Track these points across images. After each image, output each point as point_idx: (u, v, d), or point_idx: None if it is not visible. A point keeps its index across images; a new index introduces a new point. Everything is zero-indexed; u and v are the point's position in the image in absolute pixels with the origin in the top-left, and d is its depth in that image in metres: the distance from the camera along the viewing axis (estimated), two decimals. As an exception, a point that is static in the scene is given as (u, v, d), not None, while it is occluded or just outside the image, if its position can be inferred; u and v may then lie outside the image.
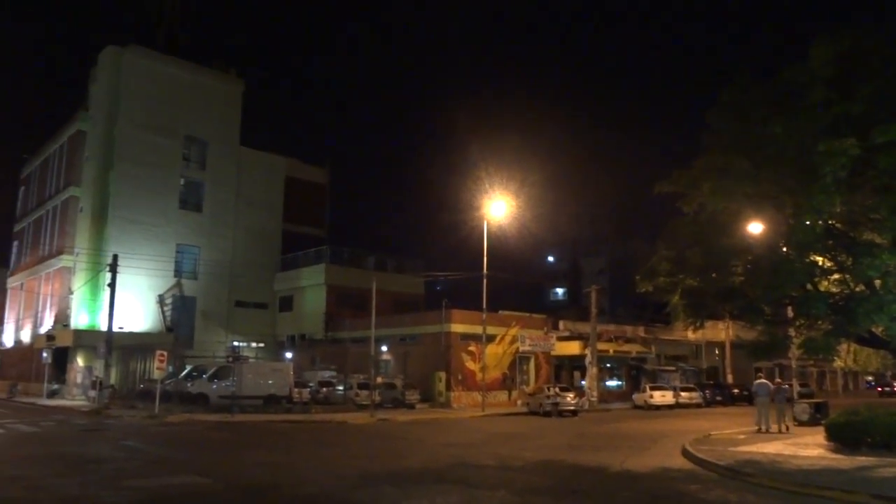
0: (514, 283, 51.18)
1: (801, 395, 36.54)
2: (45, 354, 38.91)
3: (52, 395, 39.47)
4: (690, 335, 48.65)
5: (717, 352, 54.45)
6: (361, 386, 34.90)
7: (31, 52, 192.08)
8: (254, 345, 49.10)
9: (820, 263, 14.54)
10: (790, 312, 16.07)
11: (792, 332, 16.43)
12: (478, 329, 36.69)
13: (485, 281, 35.85)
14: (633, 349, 48.68)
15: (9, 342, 53.72)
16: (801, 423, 24.68)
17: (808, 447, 17.80)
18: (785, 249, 14.67)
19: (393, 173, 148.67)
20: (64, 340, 40.79)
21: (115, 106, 45.84)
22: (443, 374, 37.98)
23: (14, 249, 57.94)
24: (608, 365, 47.80)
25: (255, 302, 51.03)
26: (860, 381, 71.95)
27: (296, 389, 33.69)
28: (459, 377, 38.30)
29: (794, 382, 38.95)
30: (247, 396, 31.09)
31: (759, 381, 24.61)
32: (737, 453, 16.66)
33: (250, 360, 37.12)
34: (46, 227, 50.54)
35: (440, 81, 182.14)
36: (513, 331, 41.10)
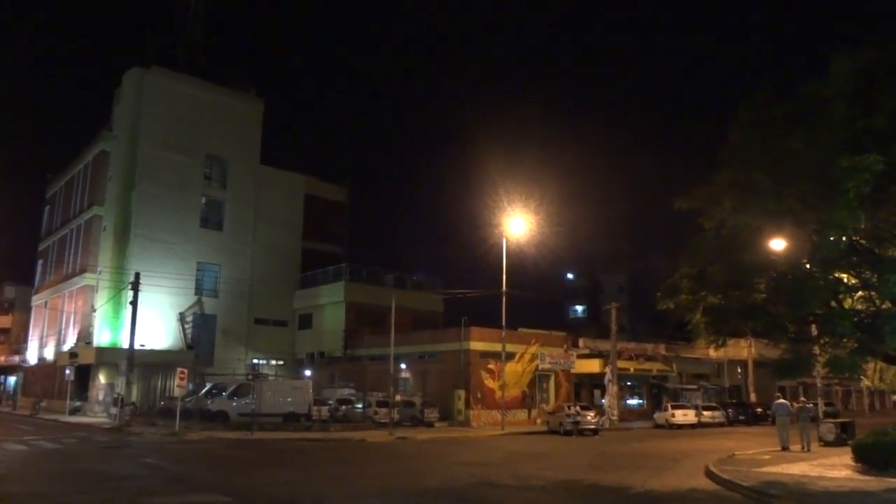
0: (534, 300, 51.02)
1: (827, 415, 35.90)
2: (67, 371, 39.32)
3: (75, 411, 39.82)
4: (712, 353, 48.07)
5: (739, 370, 53.75)
6: (380, 404, 34.79)
7: (57, 75, 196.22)
8: (273, 362, 49.22)
9: (844, 280, 14.33)
10: (814, 330, 15.83)
11: (816, 350, 16.18)
12: (497, 346, 36.52)
13: (504, 298, 35.74)
14: (654, 367, 48.17)
15: (33, 359, 54.35)
16: (826, 444, 24.25)
17: (834, 468, 17.47)
18: (808, 266, 14.49)
19: (411, 191, 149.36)
20: (86, 358, 41.18)
21: (137, 126, 46.57)
22: (462, 392, 37.79)
23: (39, 268, 58.74)
24: (629, 383, 47.33)
25: (275, 319, 51.23)
26: (887, 401, 70.57)
27: (315, 407, 33.68)
28: (478, 395, 38.07)
29: (819, 401, 38.34)
30: (266, 414, 31.15)
31: (778, 401, 25.00)
32: (761, 474, 16.39)
33: (270, 378, 37.21)
34: (70, 246, 51.22)
35: (460, 99, 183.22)
36: (532, 348, 40.86)
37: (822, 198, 13.36)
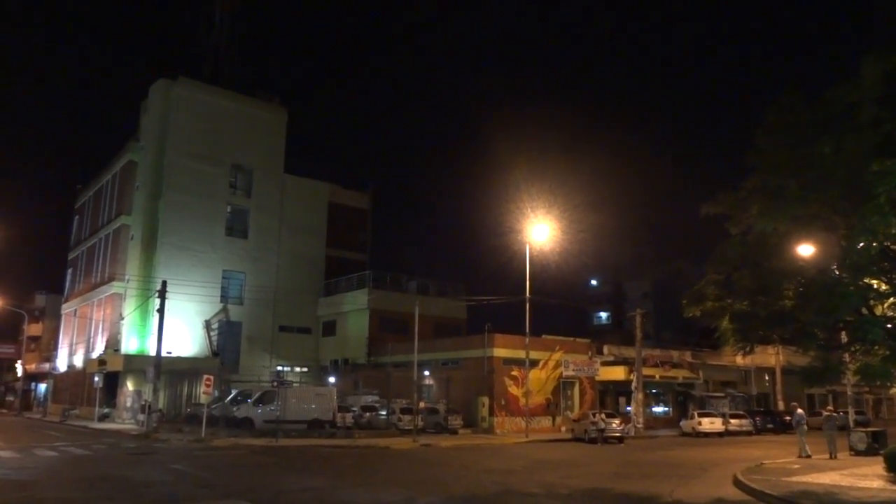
0: (557, 307, 50.76)
1: (857, 423, 35.23)
2: (96, 379, 39.86)
3: (103, 418, 40.33)
4: (739, 360, 47.46)
5: (767, 378, 52.98)
6: (404, 411, 34.82)
7: (86, 89, 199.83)
8: (297, 369, 49.53)
9: (875, 286, 14.08)
10: (844, 337, 15.58)
11: (847, 357, 15.92)
12: (521, 353, 36.41)
13: (528, 305, 35.64)
14: (680, 374, 47.66)
15: (62, 366, 55.21)
16: (857, 453, 23.83)
17: (866, 478, 17.15)
18: (837, 272, 14.27)
19: (434, 197, 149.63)
20: (114, 365, 41.72)
21: (164, 136, 47.26)
22: (486, 399, 37.70)
23: (68, 277, 59.75)
24: (654, 391, 46.87)
25: (299, 327, 51.54)
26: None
27: (339, 414, 33.84)
28: (502, 402, 37.95)
29: (850, 410, 37.68)
30: (291, 421, 31.34)
31: (797, 410, 25.73)
32: (791, 483, 16.14)
33: (294, 385, 37.44)
34: (99, 255, 52.02)
35: (482, 105, 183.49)
36: (556, 355, 40.64)
37: (851, 202, 13.17)
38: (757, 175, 15.47)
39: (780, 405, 47.90)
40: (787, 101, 15.08)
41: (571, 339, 44.34)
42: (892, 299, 14.17)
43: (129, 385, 41.56)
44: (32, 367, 62.53)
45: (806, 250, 14.95)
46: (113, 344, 45.36)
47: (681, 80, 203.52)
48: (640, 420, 38.77)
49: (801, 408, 27.29)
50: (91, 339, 49.75)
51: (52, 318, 63.67)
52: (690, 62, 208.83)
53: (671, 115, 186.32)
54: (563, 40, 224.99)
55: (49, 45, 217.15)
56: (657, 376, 45.36)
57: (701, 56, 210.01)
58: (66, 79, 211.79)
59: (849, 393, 38.07)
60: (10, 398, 70.48)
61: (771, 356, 47.69)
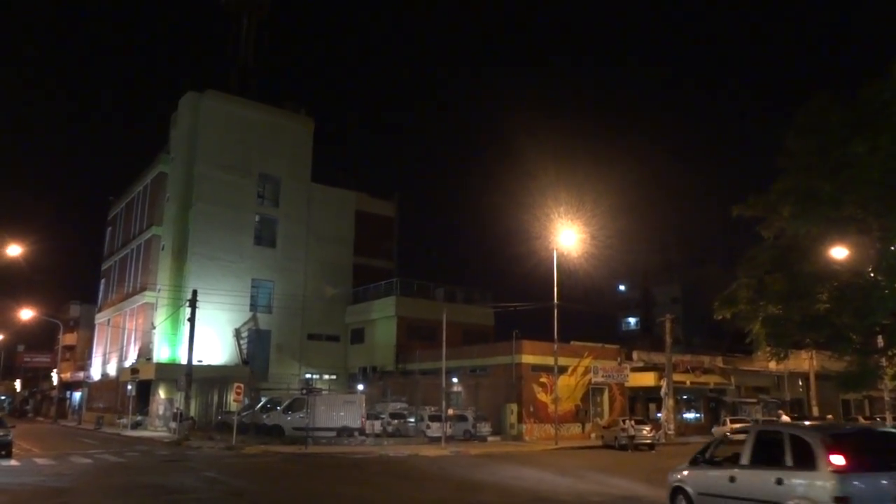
0: (586, 313, 50.38)
1: (896, 429, 34.50)
2: (129, 387, 40.46)
3: (136, 426, 40.90)
4: (772, 366, 46.58)
5: (800, 383, 51.95)
6: (433, 418, 34.76)
7: (119, 104, 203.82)
8: (326, 377, 49.70)
9: (913, 289, 13.77)
10: (881, 341, 15.26)
11: (884, 361, 15.58)
12: (549, 360, 36.19)
13: (556, 311, 35.43)
14: (712, 380, 46.97)
15: (96, 375, 56.13)
16: None
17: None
18: (873, 275, 14.01)
19: (460, 204, 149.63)
20: (147, 373, 42.29)
21: (194, 148, 47.87)
22: (514, 406, 37.53)
23: (101, 287, 60.82)
24: (685, 396, 46.24)
25: (328, 334, 51.77)
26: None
27: (367, 421, 33.90)
28: (531, 409, 37.75)
29: (888, 415, 36.89)
30: (320, 428, 31.45)
31: (781, 417, 25.60)
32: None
33: (323, 393, 37.59)
34: (131, 266, 52.88)
35: (509, 111, 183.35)
36: (585, 361, 40.33)
37: (886, 204, 12.94)
38: (788, 177, 15.27)
39: (815, 411, 46.95)
40: (818, 102, 14.88)
41: (600, 344, 43.97)
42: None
43: (161, 393, 42.08)
44: (67, 375, 63.70)
45: (840, 253, 14.71)
46: (145, 353, 46.00)
47: (712, 82, 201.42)
48: (671, 426, 38.28)
49: (787, 415, 28.40)
50: (124, 348, 50.53)
51: (87, 328, 64.86)
52: (722, 63, 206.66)
53: (698, 118, 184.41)
54: (590, 46, 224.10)
55: (80, 61, 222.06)
56: (688, 382, 44.75)
57: (726, 58, 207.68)
58: (98, 94, 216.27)
59: (886, 398, 37.29)
60: (45, 405, 71.89)
61: (805, 361, 46.74)
